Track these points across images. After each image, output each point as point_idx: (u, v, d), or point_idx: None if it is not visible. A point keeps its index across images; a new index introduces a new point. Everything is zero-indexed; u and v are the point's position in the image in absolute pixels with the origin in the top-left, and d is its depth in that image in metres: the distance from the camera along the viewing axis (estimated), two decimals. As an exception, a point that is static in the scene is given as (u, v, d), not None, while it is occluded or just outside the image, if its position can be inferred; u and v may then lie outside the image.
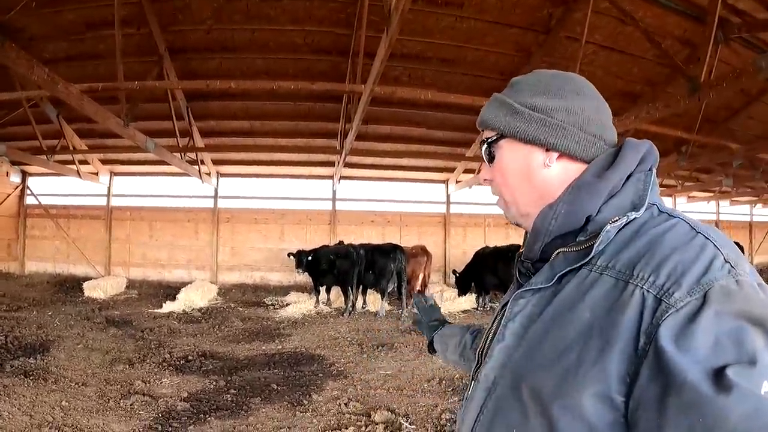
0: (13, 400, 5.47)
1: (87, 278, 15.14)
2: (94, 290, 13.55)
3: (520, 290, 1.05)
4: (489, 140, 1.14)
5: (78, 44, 9.91)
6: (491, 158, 1.15)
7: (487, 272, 12.18)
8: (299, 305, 12.58)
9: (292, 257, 12.71)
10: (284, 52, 10.34)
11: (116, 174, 17.59)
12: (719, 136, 12.06)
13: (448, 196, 17.98)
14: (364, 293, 12.64)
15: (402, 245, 12.88)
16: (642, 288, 0.80)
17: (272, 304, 13.31)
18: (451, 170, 16.75)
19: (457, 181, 17.05)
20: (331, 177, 16.97)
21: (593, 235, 0.94)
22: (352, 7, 8.76)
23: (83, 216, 17.55)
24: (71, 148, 13.52)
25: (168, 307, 11.92)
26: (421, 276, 13.21)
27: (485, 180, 1.19)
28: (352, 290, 11.96)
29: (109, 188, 17.46)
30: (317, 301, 12.76)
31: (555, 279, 0.97)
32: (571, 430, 0.82)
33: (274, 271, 17.06)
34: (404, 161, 15.91)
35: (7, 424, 4.88)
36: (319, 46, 10.18)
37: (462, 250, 17.00)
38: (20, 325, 9.28)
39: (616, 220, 0.92)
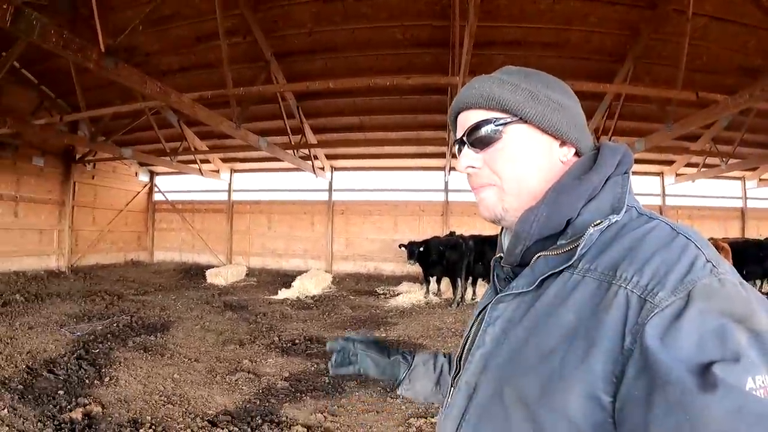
0: (131, 371, 5.87)
1: (210, 266, 16.22)
2: (215, 277, 14.42)
3: (499, 295, 1.02)
4: (501, 122, 1.02)
5: (189, 56, 10.76)
6: (486, 143, 1.03)
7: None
8: (409, 295, 12.60)
9: (403, 248, 12.73)
10: (384, 48, 10.42)
11: (236, 171, 18.79)
12: None
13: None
14: (473, 284, 12.41)
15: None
16: (626, 289, 0.79)
17: (383, 294, 13.43)
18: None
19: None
20: (442, 168, 16.84)
21: (575, 239, 0.91)
22: (446, -1, 8.59)
23: (206, 210, 19.02)
24: (192, 149, 14.64)
25: (283, 293, 12.42)
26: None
27: (469, 167, 1.07)
28: (461, 281, 11.77)
29: (229, 184, 18.72)
30: (427, 292, 12.69)
31: (536, 283, 0.93)
32: None
33: (387, 261, 17.31)
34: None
35: (123, 390, 5.24)
36: (419, 40, 10.14)
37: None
38: (145, 307, 10.03)
39: (599, 223, 0.90)
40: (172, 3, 8.83)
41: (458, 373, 1.06)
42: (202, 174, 16.40)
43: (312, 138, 14.23)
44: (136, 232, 19.14)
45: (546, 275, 0.92)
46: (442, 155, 15.54)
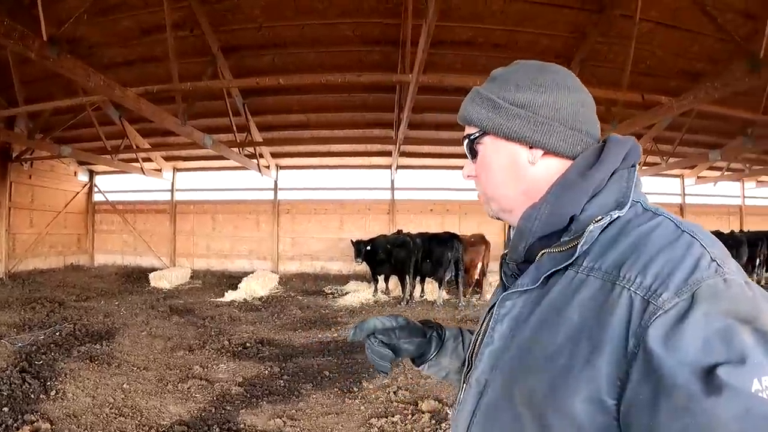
0: (77, 383, 5.69)
1: (153, 269, 15.78)
2: (159, 280, 14.07)
3: (506, 292, 1.02)
4: (471, 137, 1.10)
5: (135, 49, 10.39)
6: (474, 154, 1.11)
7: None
8: (358, 294, 12.69)
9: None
10: (335, 45, 10.39)
11: (179, 170, 18.33)
12: None
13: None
14: (422, 282, 12.57)
15: (461, 234, 12.73)
16: (629, 289, 0.79)
17: (331, 293, 13.45)
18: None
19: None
20: (389, 167, 16.92)
21: (577, 235, 0.91)
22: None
23: (149, 210, 18.49)
24: (134, 147, 14.13)
25: (230, 296, 12.25)
26: (479, 265, 13.00)
27: (468, 176, 1.15)
28: (409, 279, 11.89)
29: (172, 183, 18.25)
30: (375, 290, 12.78)
31: (541, 280, 0.94)
32: None
33: (333, 260, 17.29)
34: (462, 149, 15.73)
35: (71, 404, 5.08)
36: (370, 37, 10.18)
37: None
38: (88, 313, 9.70)
39: (600, 220, 0.90)
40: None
41: (469, 370, 1.07)
42: (144, 173, 15.91)
43: (258, 136, 14.05)
44: (75, 234, 18.33)
45: (550, 273, 0.93)
46: (388, 153, 15.61)
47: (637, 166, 1.00)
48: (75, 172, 17.99)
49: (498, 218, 1.14)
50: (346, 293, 13.08)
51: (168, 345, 7.64)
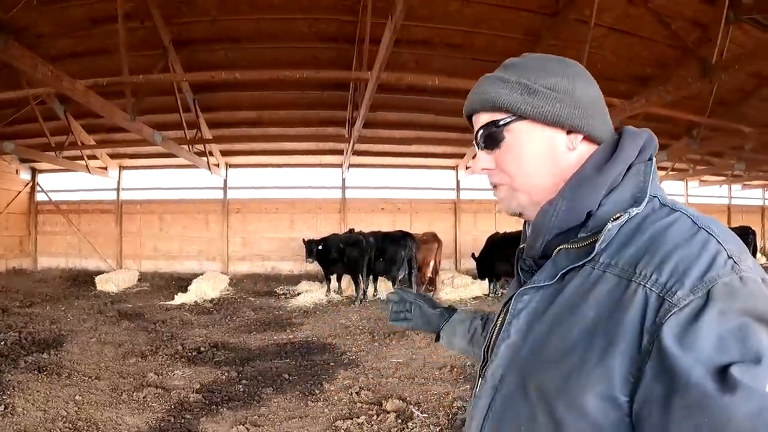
0: (27, 396, 5.49)
1: (99, 272, 15.27)
2: (106, 284, 13.66)
3: (523, 287, 1.02)
4: (500, 123, 1.04)
5: (84, 40, 9.93)
6: (494, 144, 1.05)
7: (499, 258, 12.05)
8: (310, 294, 12.65)
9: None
10: (290, 40, 10.27)
11: (125, 168, 17.75)
12: (731, 119, 11.85)
13: (458, 182, 18.00)
14: (375, 281, 12.65)
15: (413, 232, 12.85)
16: (645, 286, 0.79)
17: (284, 294, 13.39)
18: (461, 156, 16.69)
19: (466, 167, 16.96)
20: (340, 165, 16.91)
21: (595, 232, 0.92)
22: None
23: (94, 210, 17.78)
24: (79, 143, 13.60)
25: (180, 298, 12.02)
26: (432, 263, 13.17)
27: (484, 170, 1.10)
28: (362, 278, 11.95)
29: (118, 182, 17.65)
30: (328, 290, 12.80)
31: (558, 276, 0.95)
32: (576, 429, 0.82)
33: (285, 260, 17.14)
34: (414, 148, 15.89)
35: (21, 419, 4.90)
36: (326, 34, 10.13)
37: (472, 236, 17.04)
38: (34, 320, 9.37)
39: (618, 217, 0.90)
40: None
41: (485, 364, 1.07)
42: (89, 171, 15.28)
43: (208, 133, 13.77)
44: (17, 236, 17.37)
45: (567, 269, 0.93)
46: (340, 152, 15.57)
47: (654, 159, 1.01)
48: (17, 170, 17.03)
49: (519, 214, 1.10)
50: (299, 293, 13.03)
51: (119, 352, 7.47)
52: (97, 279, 13.94)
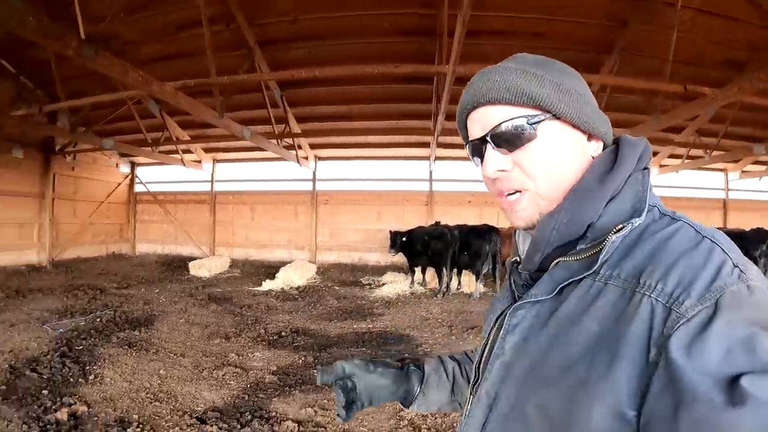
0: (116, 368, 5.79)
1: (193, 258, 16.12)
2: (198, 269, 14.32)
3: (519, 302, 0.95)
4: (533, 119, 0.92)
5: (171, 44, 10.55)
6: (519, 143, 0.93)
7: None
8: (394, 285, 12.62)
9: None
10: (371, 36, 10.30)
11: (218, 161, 18.61)
12: None
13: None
14: (458, 274, 12.47)
15: (499, 226, 12.57)
16: (650, 297, 0.75)
17: (368, 284, 13.44)
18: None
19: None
20: (427, 158, 16.79)
21: (595, 244, 0.87)
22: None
23: (189, 201, 18.88)
24: (174, 139, 14.43)
25: (267, 285, 12.36)
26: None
27: (501, 171, 0.95)
28: (446, 271, 11.79)
29: (212, 174, 18.59)
30: (412, 282, 12.72)
31: (556, 290, 0.89)
32: None
33: (371, 251, 17.30)
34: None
35: (108, 388, 5.16)
36: (405, 28, 10.06)
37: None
38: (128, 301, 9.92)
39: (620, 229, 0.85)
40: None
41: (477, 382, 1.01)
42: (184, 164, 16.23)
43: (296, 127, 14.13)
44: (117, 224, 18.88)
45: (566, 282, 0.88)
46: (426, 145, 15.47)
47: (650, 168, 0.97)
48: (117, 164, 18.57)
49: (533, 225, 0.98)
50: (383, 284, 13.02)
51: (205, 332, 7.73)
52: (191, 264, 14.65)
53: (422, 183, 17.73)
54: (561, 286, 0.88)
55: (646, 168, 0.96)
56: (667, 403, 0.68)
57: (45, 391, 4.99)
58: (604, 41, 9.57)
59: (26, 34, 5.15)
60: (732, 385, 0.63)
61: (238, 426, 4.42)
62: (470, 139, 1.00)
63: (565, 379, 0.79)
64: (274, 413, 4.74)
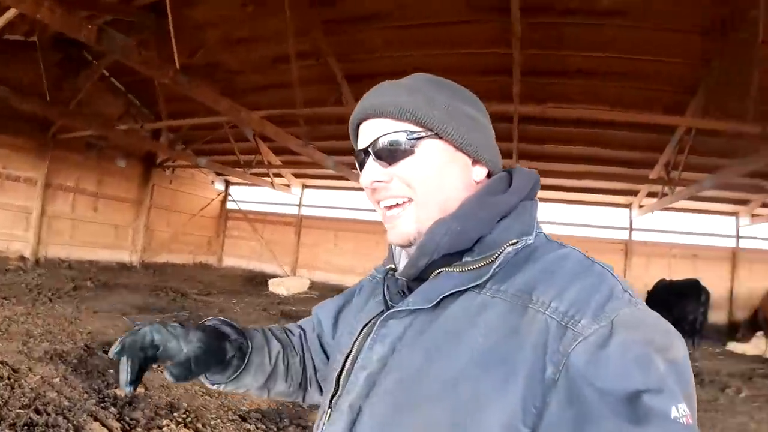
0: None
1: (274, 276, 16.72)
2: (278, 287, 14.85)
3: (391, 310, 0.93)
4: (413, 136, 0.93)
5: (268, 76, 11.29)
6: (398, 156, 0.94)
7: (662, 308, 11.07)
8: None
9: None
10: (452, 74, 10.26)
11: (307, 187, 19.43)
12: None
13: (630, 222, 16.68)
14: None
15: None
16: (545, 314, 0.76)
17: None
18: (635, 193, 15.60)
19: (640, 206, 15.84)
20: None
21: (486, 256, 0.87)
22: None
23: (276, 222, 19.86)
24: (266, 162, 15.43)
25: (342, 309, 12.56)
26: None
27: (377, 182, 0.96)
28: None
29: (300, 198, 19.43)
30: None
31: (437, 300, 0.86)
32: None
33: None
34: (584, 183, 15.17)
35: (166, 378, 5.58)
36: (484, 68, 10.12)
37: (644, 283, 15.68)
38: (206, 307, 10.54)
39: (515, 243, 0.87)
40: (253, 24, 9.44)
41: (337, 394, 0.95)
42: (273, 187, 17.03)
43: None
44: (206, 236, 20.20)
45: (449, 293, 0.86)
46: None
47: (537, 201, 0.98)
48: (212, 182, 19.98)
49: (409, 242, 0.97)
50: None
51: (267, 344, 8.10)
52: (271, 281, 15.23)
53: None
54: (443, 296, 0.86)
55: (534, 199, 0.98)
56: (568, 419, 0.68)
57: (111, 370, 5.51)
58: (690, 80, 9.21)
59: (129, 62, 5.84)
60: (633, 402, 0.65)
61: (275, 429, 4.66)
62: (357, 149, 1.02)
63: (448, 394, 0.77)
64: (310, 423, 4.96)
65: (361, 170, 0.99)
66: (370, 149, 0.96)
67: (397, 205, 0.96)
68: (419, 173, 0.93)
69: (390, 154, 0.94)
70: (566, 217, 17.24)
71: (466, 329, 0.81)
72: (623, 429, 0.63)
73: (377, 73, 10.64)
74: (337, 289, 16.41)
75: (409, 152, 0.93)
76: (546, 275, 0.81)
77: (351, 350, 0.98)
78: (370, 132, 0.97)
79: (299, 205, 19.59)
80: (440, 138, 0.94)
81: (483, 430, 0.73)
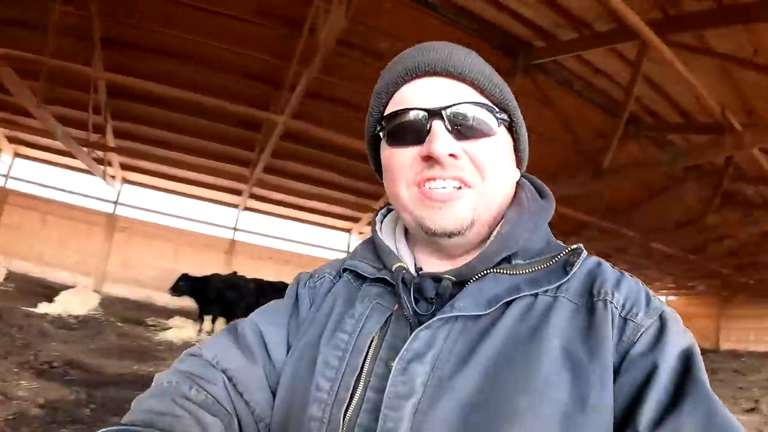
0: None
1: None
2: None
3: (435, 318, 0.78)
4: (501, 115, 0.87)
5: (11, 8, 9.11)
6: (477, 133, 0.83)
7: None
8: (181, 330, 12.32)
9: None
10: (217, 68, 10.34)
11: (19, 156, 16.70)
12: (620, 225, 13.18)
13: (349, 246, 18.18)
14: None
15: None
16: (611, 303, 0.76)
17: (153, 325, 12.91)
18: (356, 220, 16.83)
19: (360, 233, 17.15)
20: (236, 206, 16.79)
21: (540, 260, 0.83)
22: (291, 40, 8.77)
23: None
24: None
25: (44, 308, 11.25)
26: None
27: (451, 154, 0.81)
28: (238, 323, 11.71)
29: (9, 168, 16.58)
30: (200, 330, 12.56)
31: (500, 304, 0.78)
32: None
33: (162, 291, 16.04)
34: (312, 203, 15.91)
35: None
36: (251, 72, 10.32)
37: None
38: None
39: (576, 250, 0.83)
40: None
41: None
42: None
43: (112, 141, 13.41)
44: None
45: (513, 297, 0.78)
46: (238, 192, 15.64)
47: None
48: None
49: (459, 233, 0.84)
50: (169, 328, 12.59)
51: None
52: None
53: (226, 230, 17.81)
54: (504, 300, 0.78)
55: None
56: (667, 396, 0.69)
57: None
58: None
59: None
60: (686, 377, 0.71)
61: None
62: (409, 106, 0.85)
63: (540, 407, 0.69)
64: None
65: (390, 136, 0.88)
66: (444, 113, 0.82)
67: (455, 188, 0.83)
68: (495, 159, 0.86)
69: (469, 129, 0.83)
70: (292, 233, 18.41)
71: (537, 333, 0.75)
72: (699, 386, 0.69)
73: (141, 46, 9.78)
74: (38, 283, 14.54)
75: (489, 132, 0.85)
76: (595, 276, 0.81)
77: (359, 374, 0.80)
78: (442, 93, 0.83)
79: (6, 176, 16.66)
80: (510, 130, 0.91)
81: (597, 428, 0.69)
